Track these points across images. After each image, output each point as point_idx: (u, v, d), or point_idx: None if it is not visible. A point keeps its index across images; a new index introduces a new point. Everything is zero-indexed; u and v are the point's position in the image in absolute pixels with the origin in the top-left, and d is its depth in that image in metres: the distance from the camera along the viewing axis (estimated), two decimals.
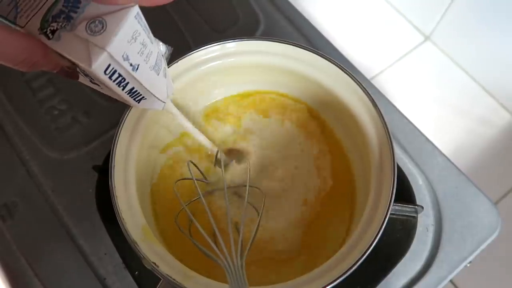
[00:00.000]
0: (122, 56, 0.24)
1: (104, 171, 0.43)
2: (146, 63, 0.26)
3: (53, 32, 0.23)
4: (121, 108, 0.34)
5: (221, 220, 0.35)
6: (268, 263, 0.34)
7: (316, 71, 0.35)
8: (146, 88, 0.27)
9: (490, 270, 0.50)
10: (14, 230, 0.41)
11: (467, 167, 0.47)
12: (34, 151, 0.44)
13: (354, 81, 0.34)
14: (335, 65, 0.34)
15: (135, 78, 0.26)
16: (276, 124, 0.39)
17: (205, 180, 0.36)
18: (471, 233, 0.40)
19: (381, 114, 0.32)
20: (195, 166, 0.36)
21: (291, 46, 0.35)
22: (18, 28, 0.24)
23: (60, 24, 0.24)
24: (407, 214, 0.39)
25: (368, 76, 0.54)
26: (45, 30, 0.23)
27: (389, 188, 0.31)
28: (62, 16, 0.24)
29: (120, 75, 0.25)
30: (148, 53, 0.26)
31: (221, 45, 0.36)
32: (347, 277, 0.29)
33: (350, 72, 0.34)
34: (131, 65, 0.25)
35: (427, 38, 0.63)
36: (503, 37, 0.55)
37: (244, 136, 0.38)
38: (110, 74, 0.24)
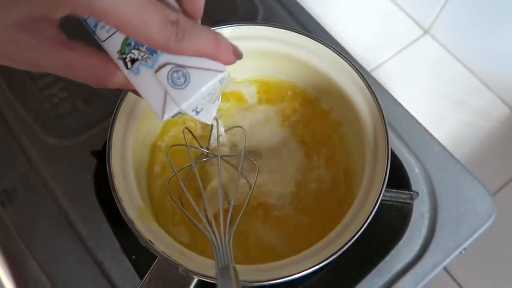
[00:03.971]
0: (192, 108, 0.24)
1: (102, 157, 0.43)
2: (208, 103, 0.25)
3: (132, 61, 0.22)
4: (120, 96, 0.34)
5: (213, 192, 0.35)
6: (256, 215, 0.34)
7: (312, 55, 0.35)
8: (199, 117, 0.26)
9: (484, 259, 0.50)
10: (13, 215, 0.41)
11: (465, 159, 0.48)
12: (33, 138, 0.44)
13: (349, 64, 0.34)
14: (330, 48, 0.35)
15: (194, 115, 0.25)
16: (272, 109, 0.39)
17: (200, 148, 0.36)
18: (466, 220, 0.40)
19: (376, 97, 0.33)
20: (190, 132, 0.36)
21: (286, 31, 0.35)
22: (95, 37, 0.23)
23: (142, 54, 0.22)
24: (402, 200, 0.40)
25: (367, 69, 0.54)
26: (124, 57, 0.22)
27: (383, 170, 0.31)
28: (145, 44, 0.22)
29: (181, 113, 0.24)
30: (214, 97, 0.25)
31: (219, 29, 0.36)
32: (341, 261, 0.29)
33: (345, 56, 0.34)
34: (196, 111, 0.24)
35: (426, 31, 0.63)
36: (502, 30, 0.55)
37: (240, 116, 0.39)
38: (173, 115, 0.24)
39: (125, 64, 0.22)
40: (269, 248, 0.34)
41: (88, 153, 0.43)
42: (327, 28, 0.52)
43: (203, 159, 0.36)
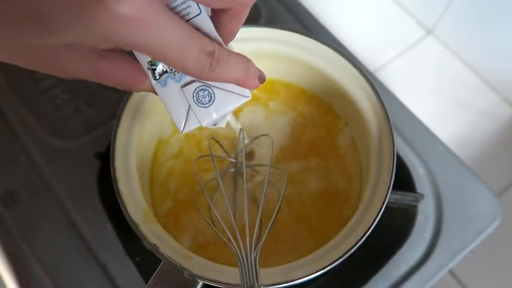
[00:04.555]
0: (211, 124, 0.25)
1: (106, 158, 0.43)
2: (225, 116, 0.26)
3: (161, 73, 0.23)
4: (124, 99, 0.34)
5: (239, 205, 0.35)
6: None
7: (316, 57, 0.35)
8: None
9: (490, 261, 0.50)
10: (16, 217, 0.41)
11: (469, 160, 0.48)
12: (36, 140, 0.44)
13: (353, 66, 0.34)
14: (335, 50, 0.34)
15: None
16: (280, 112, 0.39)
17: (228, 158, 0.36)
18: (471, 222, 0.40)
19: (381, 100, 0.33)
20: (217, 142, 0.35)
21: (289, 32, 0.35)
22: None
23: (171, 68, 0.23)
24: (407, 202, 0.39)
25: (370, 69, 0.54)
26: (154, 68, 0.23)
27: (388, 173, 0.31)
28: None
29: None
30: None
31: None
32: (345, 264, 0.29)
33: (349, 58, 0.34)
34: (214, 125, 0.25)
35: (429, 32, 0.63)
36: (506, 31, 0.55)
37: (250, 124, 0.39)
38: (192, 129, 0.25)
39: (154, 75, 0.23)
40: (273, 252, 0.34)
41: (91, 155, 0.43)
42: (329, 28, 0.52)
43: (231, 170, 0.36)
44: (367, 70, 0.49)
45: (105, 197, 0.42)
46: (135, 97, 0.34)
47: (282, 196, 0.31)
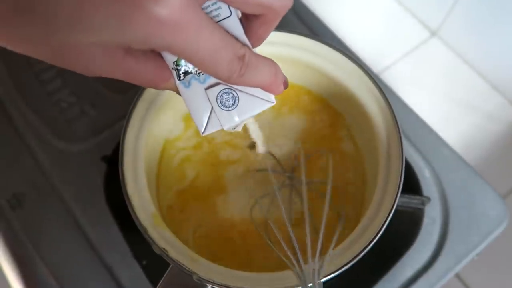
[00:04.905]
0: (232, 128, 0.25)
1: (112, 161, 0.43)
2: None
3: (185, 74, 0.23)
4: (130, 101, 0.34)
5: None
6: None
7: (323, 60, 0.35)
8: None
9: (497, 265, 0.50)
10: (23, 219, 0.41)
11: (475, 162, 0.47)
12: (43, 143, 0.44)
13: (363, 71, 0.34)
14: (343, 54, 0.34)
15: None
16: (288, 114, 0.39)
17: (284, 173, 0.35)
18: (478, 225, 0.40)
19: (390, 104, 0.33)
20: (273, 156, 0.35)
21: (296, 35, 0.35)
22: None
23: (196, 69, 0.23)
24: (414, 205, 0.39)
25: (375, 71, 0.54)
26: (179, 68, 0.23)
27: (397, 178, 0.31)
28: None
29: None
30: None
31: None
32: (352, 267, 0.29)
33: (356, 60, 0.34)
34: (233, 128, 0.25)
35: (434, 33, 0.63)
36: (511, 33, 0.55)
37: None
38: (213, 131, 0.24)
39: (178, 75, 0.23)
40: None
41: (97, 158, 0.43)
42: (334, 30, 0.52)
43: (286, 184, 0.35)
44: (372, 71, 0.49)
45: (111, 200, 0.42)
46: (144, 99, 0.34)
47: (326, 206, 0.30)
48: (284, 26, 0.52)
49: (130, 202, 0.30)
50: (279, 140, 0.38)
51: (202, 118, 0.23)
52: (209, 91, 0.23)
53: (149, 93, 0.33)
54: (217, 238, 0.35)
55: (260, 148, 0.36)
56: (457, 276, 0.49)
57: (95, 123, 0.45)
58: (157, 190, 0.36)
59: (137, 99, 0.33)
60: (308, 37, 0.35)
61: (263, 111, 0.24)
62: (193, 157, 0.38)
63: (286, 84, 0.24)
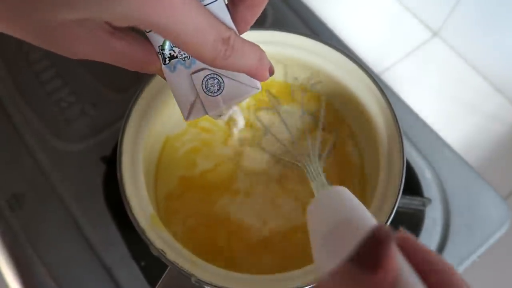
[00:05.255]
0: (217, 114, 0.24)
1: (112, 161, 0.43)
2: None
3: (171, 58, 0.22)
4: (130, 101, 0.34)
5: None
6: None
7: (324, 60, 0.35)
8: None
9: (499, 267, 0.50)
10: (22, 220, 0.41)
11: (476, 162, 0.47)
12: (42, 143, 0.44)
13: (363, 71, 0.34)
14: (342, 53, 0.34)
15: None
16: (289, 111, 0.39)
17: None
18: (479, 227, 0.39)
19: (390, 104, 0.32)
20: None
21: (296, 35, 0.35)
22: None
23: (182, 53, 0.22)
24: (414, 207, 0.39)
25: (376, 72, 0.54)
26: (164, 52, 0.22)
27: (398, 180, 0.30)
28: None
29: None
30: None
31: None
32: None
33: (357, 61, 0.34)
34: (219, 115, 0.25)
35: (435, 34, 0.62)
36: None
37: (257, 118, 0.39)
38: (198, 118, 0.24)
39: (163, 59, 0.22)
40: (281, 258, 0.33)
41: (97, 158, 0.43)
42: (335, 30, 0.51)
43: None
44: (372, 71, 0.49)
45: (110, 201, 0.41)
46: (142, 99, 0.33)
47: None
48: (284, 26, 0.52)
49: (128, 203, 0.30)
50: (281, 138, 0.38)
51: (187, 103, 0.23)
52: (194, 76, 0.23)
53: (147, 93, 0.33)
54: (204, 232, 0.34)
55: (240, 123, 0.36)
56: None
57: (95, 122, 0.45)
58: (156, 177, 0.36)
59: (136, 99, 0.33)
60: (309, 37, 0.35)
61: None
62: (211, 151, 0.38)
63: (271, 71, 0.23)
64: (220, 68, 0.21)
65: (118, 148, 0.31)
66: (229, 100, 0.23)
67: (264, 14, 0.51)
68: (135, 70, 0.23)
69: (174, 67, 0.23)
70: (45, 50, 0.20)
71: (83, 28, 0.19)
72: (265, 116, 0.39)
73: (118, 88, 0.47)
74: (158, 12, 0.17)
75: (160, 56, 0.22)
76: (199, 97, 0.23)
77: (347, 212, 0.20)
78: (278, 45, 0.35)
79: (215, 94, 0.23)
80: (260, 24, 0.50)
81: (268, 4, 0.53)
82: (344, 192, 0.22)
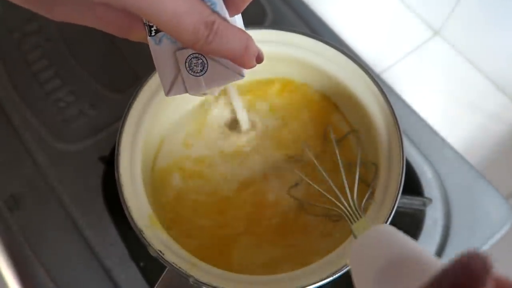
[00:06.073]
0: (199, 94, 0.24)
1: (110, 162, 0.43)
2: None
3: (157, 30, 0.22)
4: (128, 101, 0.34)
5: None
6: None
7: (323, 59, 0.35)
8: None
9: (500, 268, 0.49)
10: (20, 221, 0.41)
11: (477, 162, 0.47)
12: (40, 143, 0.44)
13: (363, 70, 0.33)
14: (342, 53, 0.34)
15: None
16: (287, 106, 0.39)
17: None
18: (481, 227, 0.39)
19: (390, 103, 0.32)
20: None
21: (296, 34, 0.35)
22: None
23: None
24: (415, 207, 0.39)
25: (376, 71, 0.53)
26: (151, 24, 0.22)
27: (398, 180, 0.30)
28: None
29: None
30: None
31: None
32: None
33: (357, 60, 0.34)
34: (204, 94, 0.25)
35: (436, 32, 0.62)
36: None
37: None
38: (179, 94, 0.24)
39: (150, 30, 0.22)
40: (277, 259, 0.33)
41: (95, 158, 0.43)
42: (335, 30, 0.51)
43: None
44: (372, 71, 0.48)
45: (109, 201, 0.41)
46: (140, 99, 0.33)
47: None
48: (285, 25, 0.51)
49: (126, 204, 0.30)
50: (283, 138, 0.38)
51: (168, 79, 0.23)
52: (179, 53, 0.22)
53: (145, 93, 0.33)
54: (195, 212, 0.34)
55: (243, 122, 0.35)
56: None
57: (94, 123, 0.45)
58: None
59: (133, 99, 0.33)
60: (309, 36, 0.35)
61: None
62: None
63: (260, 59, 0.23)
64: (202, 52, 0.21)
65: (116, 149, 0.31)
66: (211, 82, 0.22)
67: (264, 13, 0.51)
68: (119, 36, 0.22)
69: (160, 40, 0.22)
70: (45, 50, 0.20)
71: None
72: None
73: (117, 88, 0.46)
74: None
75: (146, 26, 0.22)
76: (181, 75, 0.22)
77: (399, 249, 0.19)
78: (278, 44, 0.35)
79: (197, 75, 0.22)
80: (260, 23, 0.50)
81: (268, 3, 0.54)
82: (390, 229, 0.22)
